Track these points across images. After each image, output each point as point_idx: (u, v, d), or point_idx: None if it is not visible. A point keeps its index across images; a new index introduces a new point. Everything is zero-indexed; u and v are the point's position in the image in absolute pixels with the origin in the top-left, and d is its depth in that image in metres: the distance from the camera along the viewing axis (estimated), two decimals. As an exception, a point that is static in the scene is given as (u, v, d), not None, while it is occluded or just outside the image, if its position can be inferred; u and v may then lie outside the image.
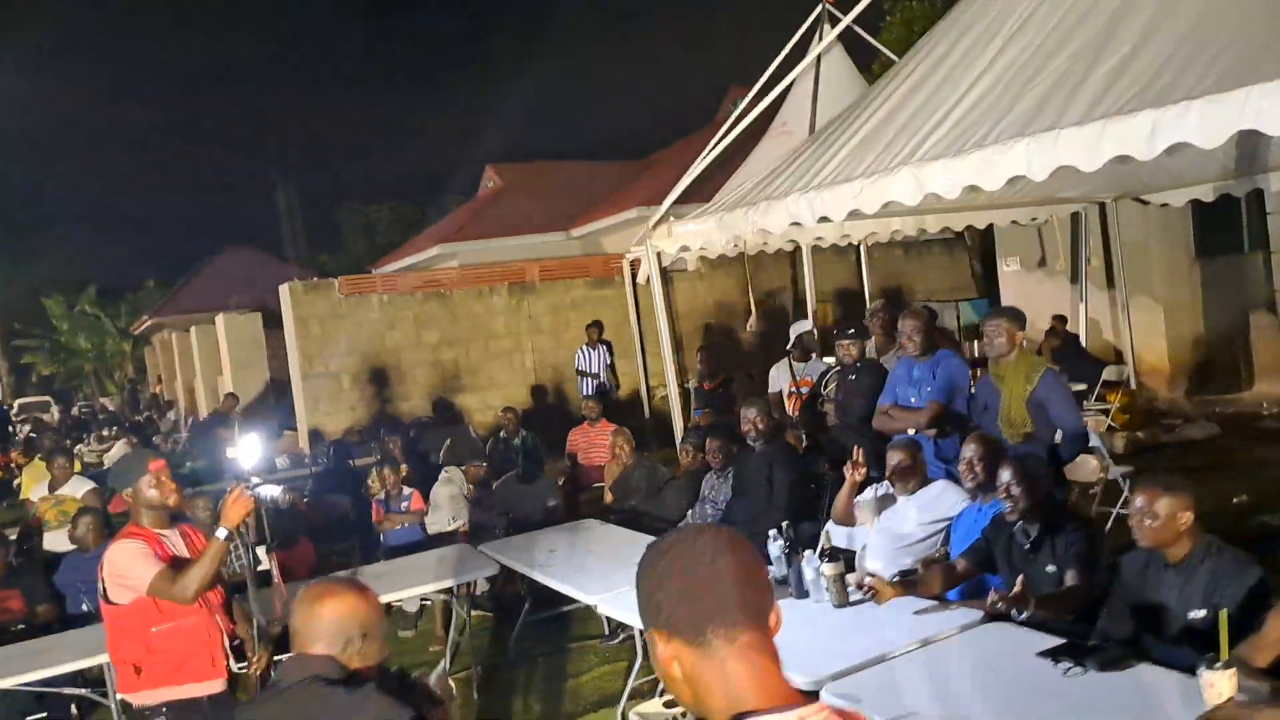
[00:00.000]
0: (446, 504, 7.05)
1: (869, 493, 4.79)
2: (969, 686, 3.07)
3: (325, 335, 12.79)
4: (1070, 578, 3.51)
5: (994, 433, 4.66)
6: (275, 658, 6.18)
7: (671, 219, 7.83)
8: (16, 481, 11.48)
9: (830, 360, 7.31)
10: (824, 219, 6.48)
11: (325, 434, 12.17)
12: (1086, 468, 6.12)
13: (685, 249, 8.29)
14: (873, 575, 3.91)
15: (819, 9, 8.68)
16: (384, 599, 6.02)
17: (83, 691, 5.30)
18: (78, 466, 8.23)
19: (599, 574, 4.96)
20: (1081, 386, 8.80)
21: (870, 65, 11.36)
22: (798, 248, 10.28)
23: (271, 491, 3.88)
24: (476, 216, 21.63)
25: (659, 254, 7.97)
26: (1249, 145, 7.82)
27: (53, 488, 7.37)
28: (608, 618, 5.61)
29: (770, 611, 1.38)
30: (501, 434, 9.31)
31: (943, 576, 3.95)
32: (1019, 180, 6.73)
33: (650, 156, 23.00)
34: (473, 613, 6.25)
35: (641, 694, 4.82)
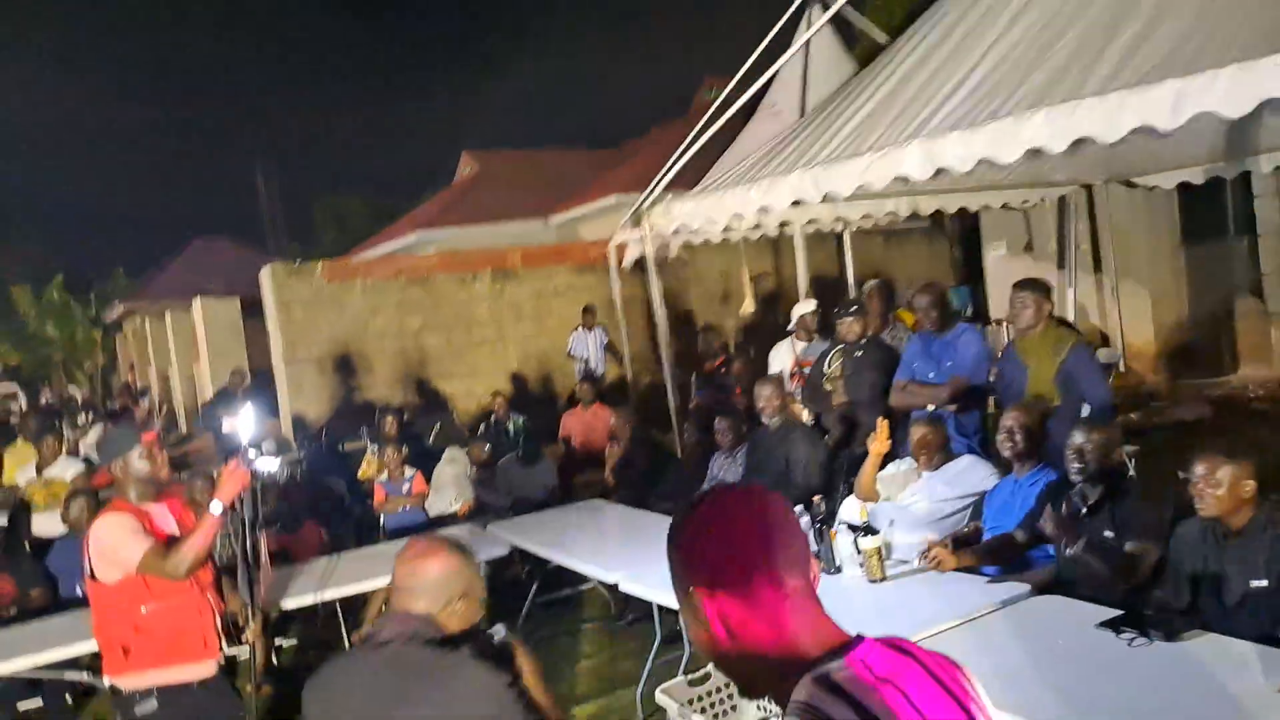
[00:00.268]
0: (451, 484, 6.93)
1: (892, 467, 4.72)
2: (1029, 660, 2.98)
3: (307, 320, 12.58)
4: (1131, 546, 3.45)
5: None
6: (277, 642, 6.13)
7: (669, 197, 7.74)
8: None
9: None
10: (829, 196, 6.42)
11: (307, 420, 11.99)
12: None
13: (679, 230, 8.23)
14: (938, 544, 3.83)
15: (808, -10, 8.60)
16: (383, 582, 5.95)
17: (79, 676, 5.15)
18: (66, 448, 7.99)
19: (617, 553, 4.88)
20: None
21: (853, 47, 11.30)
22: (780, 234, 10.25)
23: (269, 465, 3.75)
24: (454, 203, 21.44)
25: (653, 232, 7.88)
26: (1240, 127, 7.82)
27: (40, 469, 7.19)
28: (614, 599, 5.53)
29: (810, 561, 1.37)
30: (492, 418, 9.19)
31: (1005, 549, 3.88)
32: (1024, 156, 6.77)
33: (626, 145, 22.89)
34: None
35: (656, 676, 4.76)
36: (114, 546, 3.46)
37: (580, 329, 12.02)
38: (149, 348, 23.51)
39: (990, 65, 5.87)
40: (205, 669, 3.64)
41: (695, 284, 14.47)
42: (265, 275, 12.70)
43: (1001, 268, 12.44)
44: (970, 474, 4.46)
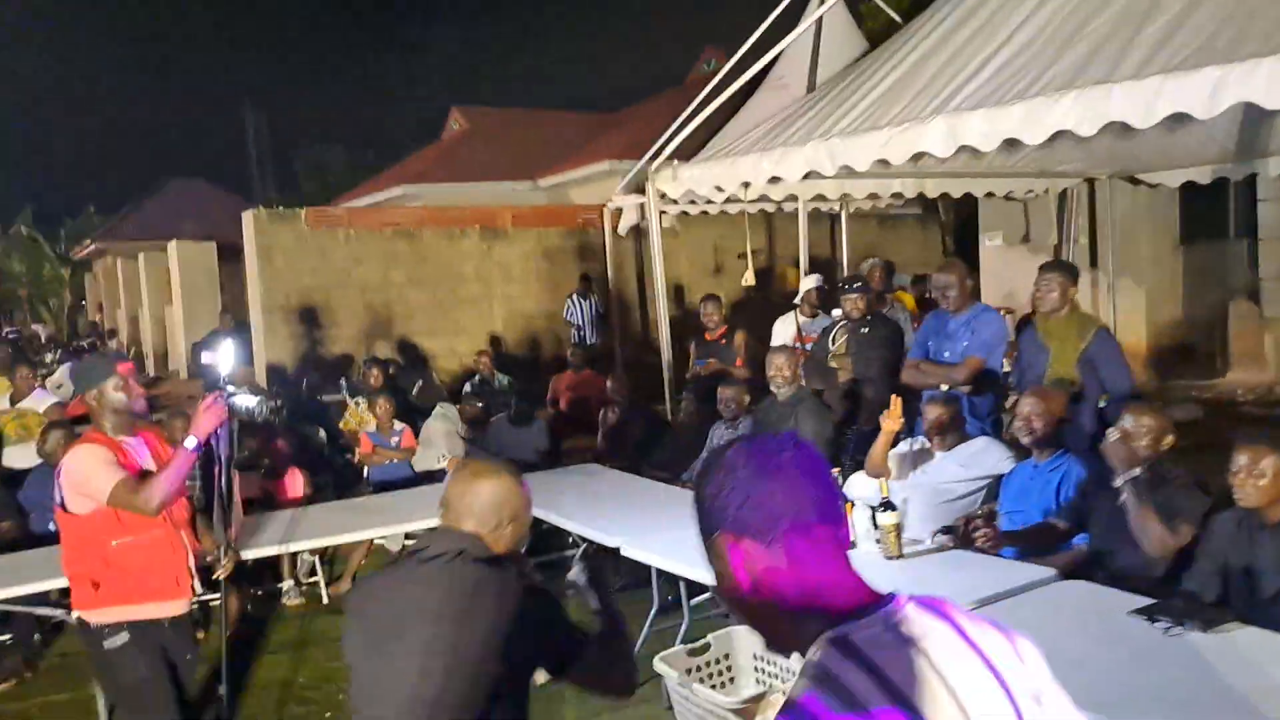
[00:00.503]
0: (441, 440, 6.78)
1: (903, 446, 4.63)
2: (1059, 645, 2.87)
3: (288, 268, 12.31)
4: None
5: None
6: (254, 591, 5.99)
7: (676, 162, 7.58)
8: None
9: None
10: (844, 169, 6.29)
11: (283, 369, 11.76)
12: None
13: (681, 198, 8.09)
14: (988, 524, 3.73)
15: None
16: (371, 534, 5.81)
17: (48, 611, 4.99)
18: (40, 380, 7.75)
19: (615, 518, 4.76)
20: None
21: (861, 25, 11.17)
22: (778, 211, 10.15)
23: (247, 402, 3.60)
24: (441, 159, 21.13)
25: (658, 196, 7.73)
26: (1251, 128, 7.76)
27: (14, 400, 6.95)
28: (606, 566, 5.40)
29: (843, 516, 1.31)
30: (477, 377, 9.03)
31: (1046, 535, 3.78)
32: (1021, 147, 6.67)
33: (619, 112, 22.63)
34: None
35: (650, 644, 4.66)
36: (85, 477, 3.35)
37: (576, 296, 11.88)
38: (120, 288, 23.09)
39: (1017, 46, 5.75)
40: (176, 608, 3.54)
41: (686, 256, 14.33)
42: (247, 219, 12.41)
43: (997, 257, 12.40)
44: (985, 456, 4.37)
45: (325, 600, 6.11)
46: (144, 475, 3.42)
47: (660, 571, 4.59)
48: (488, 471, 2.31)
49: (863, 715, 1.10)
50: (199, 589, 3.64)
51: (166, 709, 3.45)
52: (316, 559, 6.20)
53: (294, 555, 6.01)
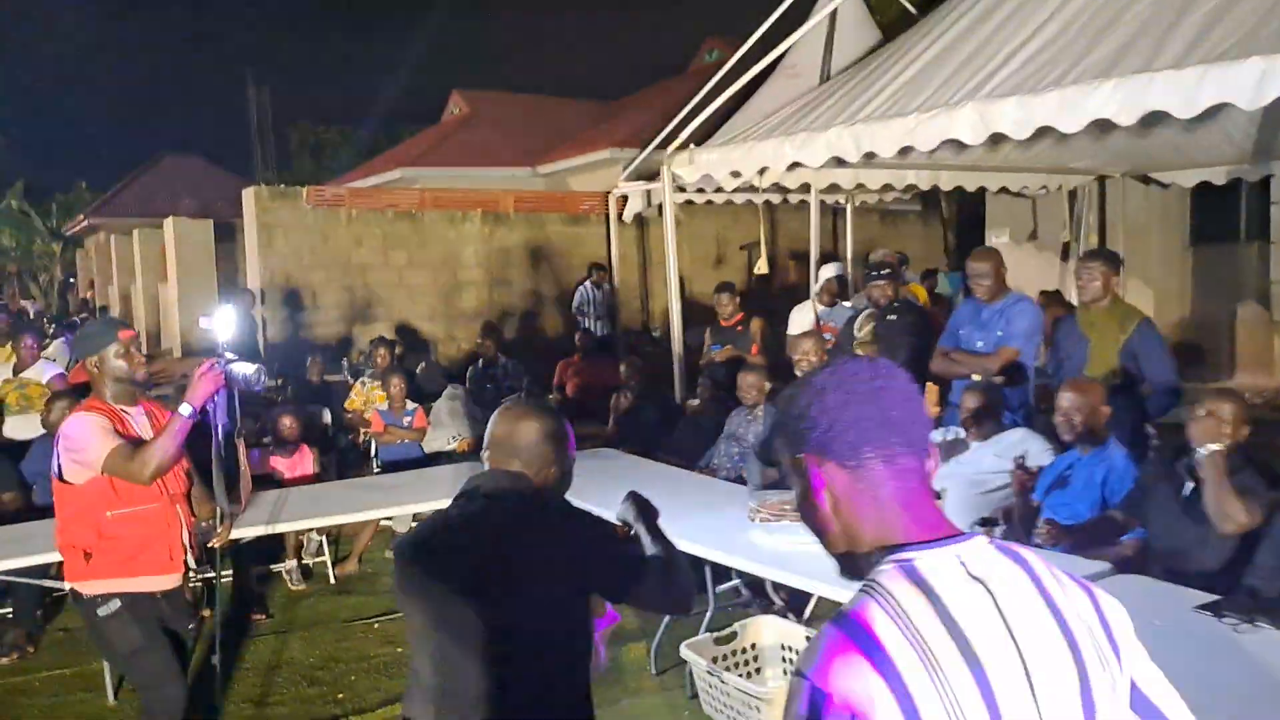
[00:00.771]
0: (450, 420, 6.67)
1: (937, 435, 4.53)
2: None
3: (288, 246, 12.16)
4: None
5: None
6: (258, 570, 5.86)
7: (692, 146, 7.47)
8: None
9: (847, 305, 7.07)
10: (868, 155, 6.19)
11: (282, 348, 11.58)
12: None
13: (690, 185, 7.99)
14: (1049, 522, 3.64)
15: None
16: (381, 514, 5.70)
17: (50, 584, 4.88)
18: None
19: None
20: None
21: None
22: (783, 203, 10.07)
23: (244, 369, 3.49)
24: (440, 143, 20.95)
25: (673, 181, 7.63)
26: (1270, 127, 7.69)
27: (17, 370, 6.80)
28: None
29: (930, 447, 1.29)
30: (481, 361, 8.92)
31: (1107, 529, 3.68)
32: (1038, 142, 6.58)
33: (620, 101, 22.50)
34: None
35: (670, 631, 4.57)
36: (82, 445, 3.28)
37: (590, 285, 11.77)
38: (113, 264, 22.84)
39: (1052, 33, 5.65)
40: (168, 582, 3.46)
41: (688, 246, 14.21)
42: (248, 196, 12.26)
43: (1004, 255, 12.31)
44: (1023, 448, 4.27)
45: (332, 581, 6.00)
46: (141, 445, 3.34)
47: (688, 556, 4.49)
48: (533, 413, 2.32)
49: (914, 637, 1.09)
50: (193, 564, 3.57)
51: (171, 676, 3.38)
52: (324, 539, 6.08)
53: (301, 534, 5.90)
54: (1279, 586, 3.00)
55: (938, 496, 1.31)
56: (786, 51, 9.19)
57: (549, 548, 2.15)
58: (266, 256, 12.07)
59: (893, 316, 5.86)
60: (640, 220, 11.91)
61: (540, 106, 22.14)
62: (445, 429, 6.71)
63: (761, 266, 7.85)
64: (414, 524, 5.52)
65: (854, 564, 1.26)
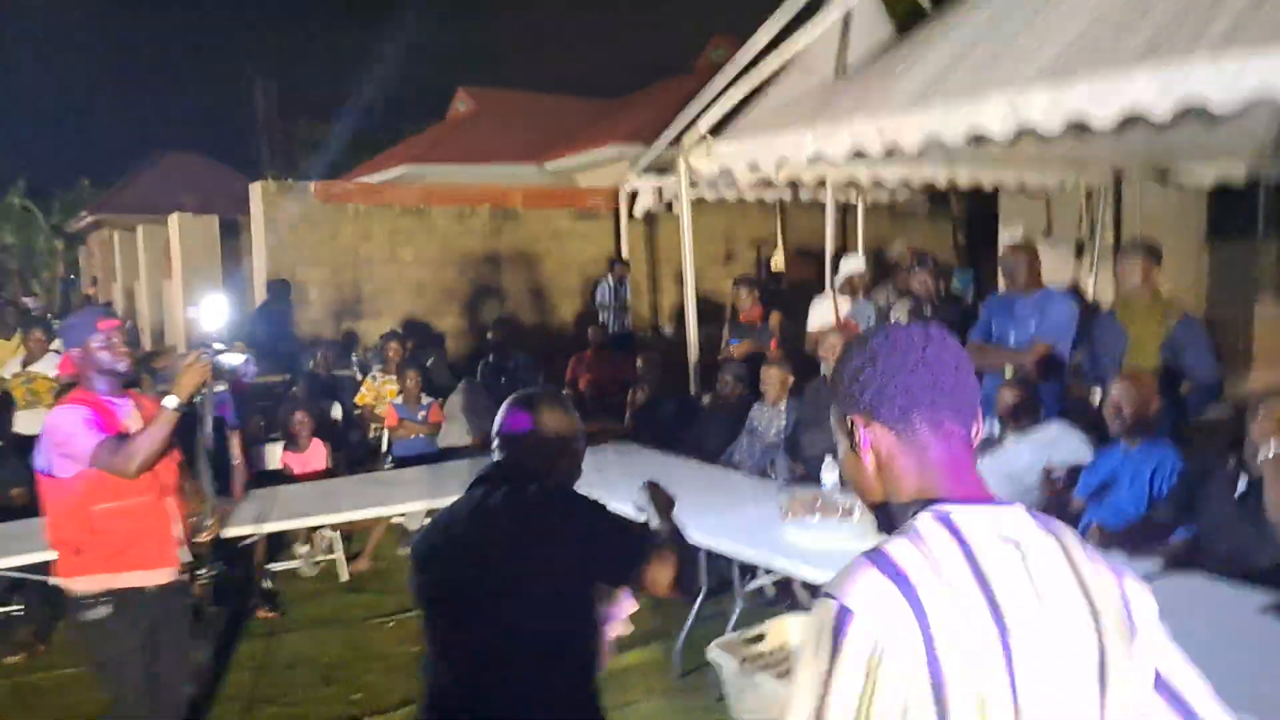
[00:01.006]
0: (464, 415, 6.56)
1: (971, 429, 4.42)
2: (1196, 644, 2.67)
3: (295, 241, 12.06)
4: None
5: (1110, 379, 4.28)
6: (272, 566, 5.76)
7: (710, 137, 7.36)
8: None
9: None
10: (892, 148, 6.07)
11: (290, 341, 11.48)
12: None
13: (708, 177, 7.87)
14: (1097, 528, 3.53)
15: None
16: (396, 510, 5.59)
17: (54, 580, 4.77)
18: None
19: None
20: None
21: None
22: (793, 200, 9.97)
23: (233, 360, 3.39)
24: (446, 139, 20.85)
25: (689, 175, 7.51)
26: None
27: (27, 363, 6.69)
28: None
29: (977, 415, 1.32)
30: (491, 356, 8.81)
31: (1151, 530, 3.57)
32: (1064, 137, 6.46)
33: (626, 98, 22.38)
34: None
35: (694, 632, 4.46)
36: (67, 438, 3.23)
37: (611, 279, 11.66)
38: (116, 261, 22.74)
39: (1084, 23, 5.54)
40: (161, 576, 3.40)
41: (696, 243, 14.09)
42: (255, 191, 12.18)
43: (1018, 252, 12.20)
44: (1062, 444, 4.17)
45: (345, 578, 5.89)
46: (127, 438, 3.27)
47: (709, 554, 4.38)
48: (543, 403, 2.32)
49: (942, 577, 1.12)
50: (186, 558, 3.50)
51: (134, 697, 3.32)
52: (337, 534, 5.98)
53: (313, 529, 5.80)
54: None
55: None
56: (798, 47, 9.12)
57: (558, 539, 2.14)
58: (273, 251, 11.98)
59: (929, 311, 5.73)
60: (648, 216, 11.80)
61: (546, 104, 22.03)
62: (460, 423, 6.60)
63: (778, 262, 7.73)
64: (426, 520, 5.42)
65: (889, 515, 1.29)
